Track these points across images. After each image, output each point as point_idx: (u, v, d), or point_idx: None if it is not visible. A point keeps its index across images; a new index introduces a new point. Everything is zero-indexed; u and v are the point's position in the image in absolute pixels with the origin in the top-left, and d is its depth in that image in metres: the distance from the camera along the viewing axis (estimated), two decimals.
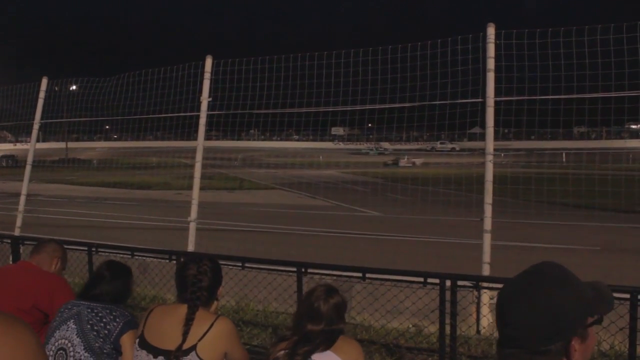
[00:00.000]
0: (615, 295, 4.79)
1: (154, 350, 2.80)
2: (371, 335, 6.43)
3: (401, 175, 24.65)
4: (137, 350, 2.85)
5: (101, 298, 3.20)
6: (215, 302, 3.16)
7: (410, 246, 13.24)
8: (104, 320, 3.07)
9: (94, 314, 3.08)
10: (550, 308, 1.49)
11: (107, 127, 10.88)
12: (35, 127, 8.88)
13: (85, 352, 2.94)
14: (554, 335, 1.49)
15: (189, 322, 2.82)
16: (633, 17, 5.84)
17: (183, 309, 2.88)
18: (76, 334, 2.99)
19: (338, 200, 23.12)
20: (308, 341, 2.84)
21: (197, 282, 2.95)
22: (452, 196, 11.14)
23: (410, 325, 6.38)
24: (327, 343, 2.85)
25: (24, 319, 3.35)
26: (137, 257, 6.62)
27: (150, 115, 8.50)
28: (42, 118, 8.91)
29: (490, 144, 5.76)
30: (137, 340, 2.88)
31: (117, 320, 3.11)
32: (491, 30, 5.93)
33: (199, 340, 2.78)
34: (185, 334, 2.78)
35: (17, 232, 8.35)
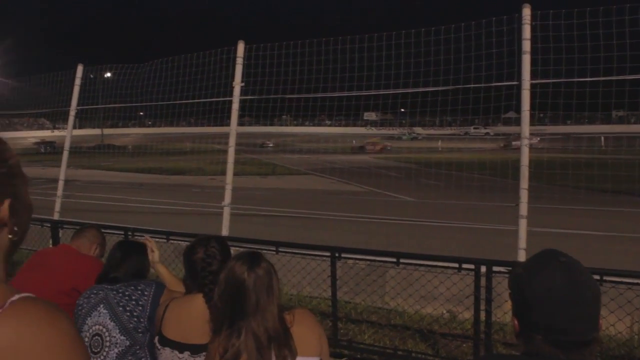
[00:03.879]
0: None
1: (178, 346, 2.62)
2: (405, 320, 6.42)
3: (435, 161, 24.41)
4: (160, 349, 2.68)
5: (121, 279, 3.18)
6: None
7: (444, 232, 13.16)
8: (134, 297, 3.03)
9: (120, 295, 3.04)
10: (596, 297, 1.57)
11: (141, 113, 10.96)
12: (72, 113, 9.01)
13: (121, 335, 2.93)
14: (597, 321, 1.53)
15: None
16: None
17: (198, 300, 2.69)
18: (109, 319, 2.97)
19: (371, 186, 23.09)
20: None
21: (207, 266, 2.73)
22: (487, 181, 11.00)
23: (445, 311, 6.35)
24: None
25: (64, 300, 3.41)
26: (172, 241, 6.70)
27: (184, 101, 8.55)
28: (77, 105, 9.04)
29: (526, 127, 5.65)
30: (157, 338, 2.71)
31: (146, 292, 3.07)
32: (527, 11, 5.79)
33: None
34: None
35: (56, 217, 8.53)
